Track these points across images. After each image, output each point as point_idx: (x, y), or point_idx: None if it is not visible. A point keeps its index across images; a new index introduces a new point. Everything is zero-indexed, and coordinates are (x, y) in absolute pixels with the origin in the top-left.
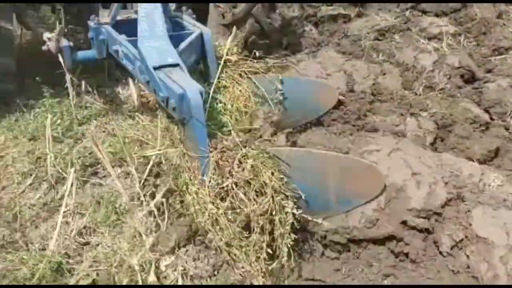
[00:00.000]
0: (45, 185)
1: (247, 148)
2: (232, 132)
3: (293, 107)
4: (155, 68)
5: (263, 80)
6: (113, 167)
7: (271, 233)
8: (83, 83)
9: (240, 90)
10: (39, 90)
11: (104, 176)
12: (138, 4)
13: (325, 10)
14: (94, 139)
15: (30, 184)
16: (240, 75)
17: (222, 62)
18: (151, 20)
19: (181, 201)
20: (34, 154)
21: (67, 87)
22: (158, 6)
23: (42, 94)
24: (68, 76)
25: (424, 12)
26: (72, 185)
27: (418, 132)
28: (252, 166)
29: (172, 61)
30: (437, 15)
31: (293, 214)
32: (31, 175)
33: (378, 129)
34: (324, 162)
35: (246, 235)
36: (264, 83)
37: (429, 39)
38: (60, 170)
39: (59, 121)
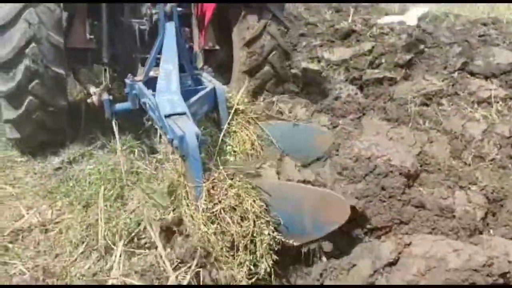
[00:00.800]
0: (96, 254)
1: (233, 179)
2: (221, 167)
3: (293, 149)
4: (166, 116)
5: (268, 126)
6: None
7: (255, 253)
8: (136, 150)
9: (247, 135)
10: (95, 156)
11: (151, 248)
12: (160, 65)
13: (370, 73)
14: (148, 218)
15: (82, 253)
16: (248, 122)
17: (232, 111)
18: (169, 78)
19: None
20: (85, 221)
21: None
22: (176, 67)
23: (98, 160)
24: (118, 145)
25: (472, 74)
26: (120, 255)
27: (467, 207)
28: (237, 194)
29: (180, 111)
30: (486, 78)
31: (273, 237)
32: (83, 242)
33: (425, 204)
34: (300, 193)
35: (232, 254)
36: (269, 128)
37: (478, 103)
38: (109, 241)
39: (112, 190)
